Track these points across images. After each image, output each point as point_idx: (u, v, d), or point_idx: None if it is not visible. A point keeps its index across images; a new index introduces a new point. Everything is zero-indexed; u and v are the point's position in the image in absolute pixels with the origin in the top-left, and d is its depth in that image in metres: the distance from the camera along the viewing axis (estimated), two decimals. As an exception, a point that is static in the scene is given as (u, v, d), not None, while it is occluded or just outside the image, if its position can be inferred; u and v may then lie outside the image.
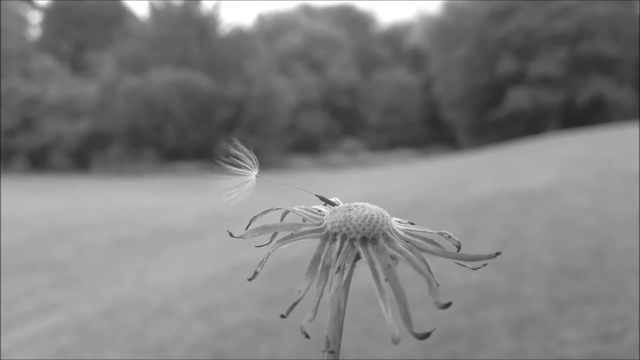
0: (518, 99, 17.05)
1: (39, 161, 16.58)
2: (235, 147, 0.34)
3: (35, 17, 21.33)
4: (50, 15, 20.85)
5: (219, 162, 0.34)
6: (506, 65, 17.35)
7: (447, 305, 0.26)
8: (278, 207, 0.33)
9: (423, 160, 14.35)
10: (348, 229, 0.29)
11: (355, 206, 0.30)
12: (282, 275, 2.60)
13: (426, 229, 0.31)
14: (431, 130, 21.79)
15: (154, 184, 11.82)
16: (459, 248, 0.31)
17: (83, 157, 17.13)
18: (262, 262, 0.30)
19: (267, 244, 0.31)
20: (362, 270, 0.29)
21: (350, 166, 16.22)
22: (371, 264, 0.28)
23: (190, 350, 2.06)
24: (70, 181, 12.69)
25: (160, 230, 5.10)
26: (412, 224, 0.32)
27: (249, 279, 0.31)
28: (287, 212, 0.33)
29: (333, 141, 20.81)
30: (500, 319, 1.95)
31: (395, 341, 0.25)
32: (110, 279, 3.51)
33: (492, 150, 10.23)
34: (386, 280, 0.28)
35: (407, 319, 0.26)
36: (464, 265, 0.31)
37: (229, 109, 16.45)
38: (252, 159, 0.35)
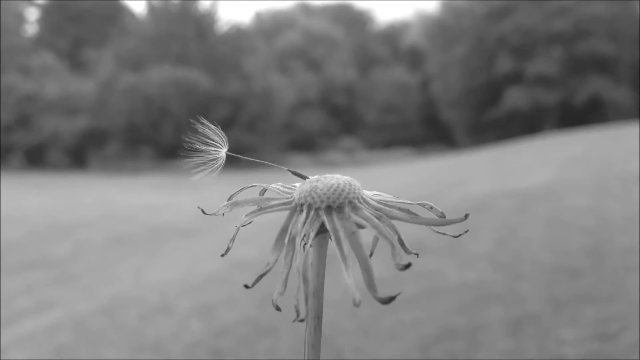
0: (516, 98, 17.08)
1: (36, 158, 16.57)
2: (203, 125, 0.34)
3: (32, 14, 21.33)
4: (47, 12, 20.82)
5: (187, 141, 0.34)
6: (504, 64, 17.37)
7: (407, 266, 0.26)
8: (254, 184, 0.33)
9: (421, 159, 14.35)
10: (313, 198, 0.29)
11: (325, 177, 0.30)
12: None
13: (406, 201, 0.31)
14: (429, 129, 21.80)
15: (151, 181, 11.81)
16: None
17: (80, 154, 17.11)
18: (232, 237, 0.30)
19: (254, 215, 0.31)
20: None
21: (348, 165, 16.21)
22: (334, 231, 0.27)
23: (188, 348, 2.06)
24: (68, 178, 12.67)
25: (158, 227, 5.10)
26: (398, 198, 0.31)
27: (222, 255, 0.31)
28: (264, 189, 0.33)
29: (331, 140, 20.80)
30: (498, 318, 1.96)
31: (357, 304, 0.25)
32: (108, 276, 3.51)
33: (489, 150, 10.24)
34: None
35: (371, 284, 0.26)
36: (445, 234, 0.31)
37: (227, 107, 16.43)
38: (220, 137, 0.34)
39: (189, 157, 0.34)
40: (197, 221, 5.21)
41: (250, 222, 0.31)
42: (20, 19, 20.34)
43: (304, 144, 20.22)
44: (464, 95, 18.79)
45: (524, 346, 1.75)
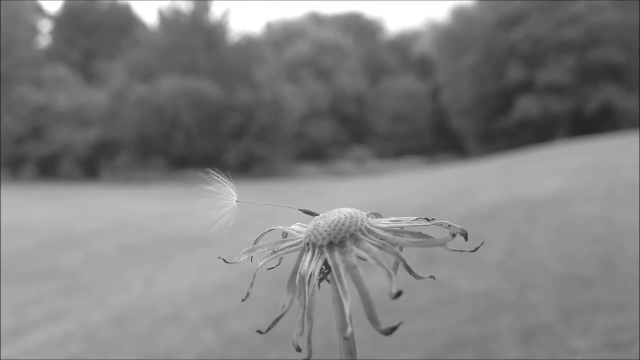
0: (526, 106, 17.02)
1: (49, 169, 16.68)
2: (213, 175, 0.35)
3: (45, 26, 21.50)
4: (60, 23, 21.00)
5: (200, 190, 0.35)
6: (514, 73, 17.33)
7: (398, 294, 0.26)
8: (272, 227, 0.34)
9: (431, 168, 14.32)
10: (315, 236, 0.29)
11: (330, 213, 0.30)
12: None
13: (423, 223, 0.30)
14: (439, 138, 21.78)
15: (162, 191, 11.85)
16: (465, 236, 0.30)
17: (92, 165, 17.21)
18: (251, 282, 0.31)
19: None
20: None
21: (358, 174, 16.21)
22: (335, 267, 0.28)
23: (198, 357, 2.06)
24: (79, 189, 12.74)
25: (168, 237, 5.11)
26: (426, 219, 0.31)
27: (242, 300, 0.32)
28: (285, 232, 0.33)
29: (341, 149, 20.82)
30: (509, 327, 1.95)
31: (346, 337, 0.26)
32: (119, 286, 3.52)
33: (500, 158, 10.20)
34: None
35: (372, 317, 0.26)
36: (462, 250, 0.30)
37: (237, 117, 16.49)
38: (231, 186, 0.35)
39: (203, 205, 0.35)
40: (207, 231, 5.22)
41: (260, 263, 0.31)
42: (33, 31, 20.53)
43: (314, 154, 20.25)
44: (474, 103, 18.75)
45: (535, 355, 1.73)
